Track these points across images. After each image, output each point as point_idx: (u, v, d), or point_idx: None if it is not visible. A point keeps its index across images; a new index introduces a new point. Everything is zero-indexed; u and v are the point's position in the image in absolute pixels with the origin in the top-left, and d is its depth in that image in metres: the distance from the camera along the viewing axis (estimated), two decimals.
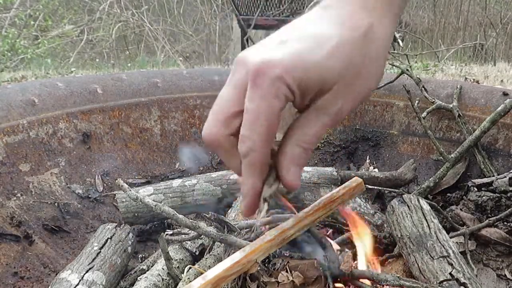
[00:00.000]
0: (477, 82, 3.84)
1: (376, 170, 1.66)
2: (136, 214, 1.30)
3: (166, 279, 1.01)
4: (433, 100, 1.62)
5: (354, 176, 1.26)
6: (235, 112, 0.44)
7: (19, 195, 1.32)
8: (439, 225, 1.11)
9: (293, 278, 0.86)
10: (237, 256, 0.86)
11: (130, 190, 1.02)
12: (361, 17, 0.43)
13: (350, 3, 0.43)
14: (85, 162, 1.54)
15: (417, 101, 1.65)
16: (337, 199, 1.03)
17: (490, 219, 1.21)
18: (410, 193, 1.36)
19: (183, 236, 1.13)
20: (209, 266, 1.01)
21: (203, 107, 1.84)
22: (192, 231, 1.07)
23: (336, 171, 1.44)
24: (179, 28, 7.79)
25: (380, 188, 1.47)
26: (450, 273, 0.93)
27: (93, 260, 1.01)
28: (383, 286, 0.89)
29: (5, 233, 1.19)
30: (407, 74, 1.71)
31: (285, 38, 0.43)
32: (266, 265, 0.91)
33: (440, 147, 1.53)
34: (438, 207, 1.27)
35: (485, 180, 1.33)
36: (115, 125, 1.66)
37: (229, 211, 1.31)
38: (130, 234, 1.17)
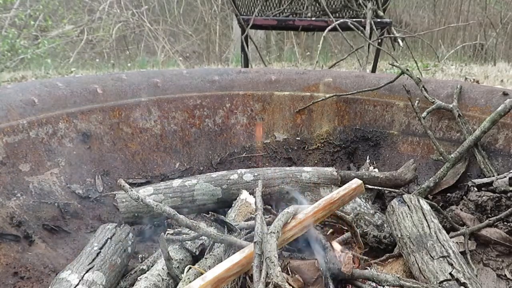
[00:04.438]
0: (477, 82, 3.84)
1: (376, 170, 1.66)
2: (136, 214, 1.30)
3: (166, 279, 1.01)
4: (433, 100, 1.62)
5: (354, 176, 1.26)
6: None
7: (19, 195, 1.32)
8: (439, 225, 1.11)
9: (291, 282, 0.86)
10: (237, 257, 0.86)
11: (132, 190, 1.02)
12: None
13: None
14: (85, 162, 1.54)
15: (417, 101, 1.65)
16: (337, 200, 1.04)
17: (490, 219, 1.21)
18: (410, 193, 1.36)
19: (183, 236, 1.13)
20: (209, 266, 1.01)
21: (203, 107, 1.84)
22: (192, 231, 1.07)
23: (336, 171, 1.44)
24: (179, 28, 7.79)
25: (380, 188, 1.47)
26: (450, 273, 0.93)
27: (93, 260, 1.01)
28: (383, 286, 0.89)
29: (5, 233, 1.19)
30: (407, 74, 1.71)
31: None
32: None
33: (440, 147, 1.53)
34: (438, 207, 1.27)
35: (485, 180, 1.33)
36: (115, 125, 1.66)
37: (229, 211, 1.31)
38: (130, 234, 1.17)
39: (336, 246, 0.97)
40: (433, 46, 6.04)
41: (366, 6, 2.75)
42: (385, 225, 1.26)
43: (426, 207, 1.16)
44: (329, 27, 2.56)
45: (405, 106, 1.73)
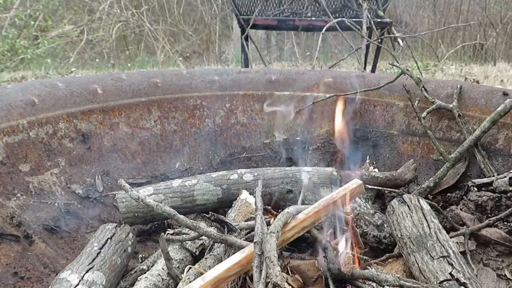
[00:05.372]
0: (477, 82, 3.84)
1: (376, 170, 1.66)
2: (136, 214, 1.30)
3: (166, 279, 1.01)
4: (433, 100, 1.62)
5: (354, 177, 1.26)
6: None
7: (19, 195, 1.32)
8: (439, 225, 1.11)
9: (291, 282, 0.86)
10: (237, 257, 0.86)
11: (132, 190, 1.02)
12: None
13: None
14: (85, 162, 1.54)
15: (417, 101, 1.65)
16: (337, 200, 1.04)
17: (490, 219, 1.21)
18: (410, 193, 1.36)
19: (183, 236, 1.13)
20: (209, 266, 1.01)
21: (203, 107, 1.84)
22: (192, 231, 1.07)
23: (336, 171, 1.44)
24: (179, 28, 7.79)
25: (380, 188, 1.47)
26: (450, 273, 0.93)
27: (93, 260, 1.01)
28: (383, 286, 0.89)
29: (5, 233, 1.19)
30: (407, 74, 1.71)
31: None
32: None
33: (440, 147, 1.53)
34: (438, 207, 1.27)
35: (485, 180, 1.33)
36: (115, 125, 1.66)
37: (229, 211, 1.31)
38: (130, 234, 1.17)
39: (342, 244, 0.97)
40: (433, 46, 6.04)
41: (363, 6, 2.75)
42: (385, 225, 1.27)
43: (426, 207, 1.16)
44: (327, 26, 2.57)
45: (405, 106, 1.73)
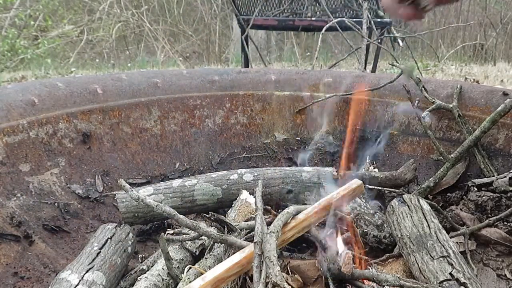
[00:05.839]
0: (477, 82, 3.84)
1: (376, 170, 1.66)
2: (136, 214, 1.30)
3: (166, 279, 1.01)
4: (433, 100, 1.62)
5: (354, 177, 1.26)
6: None
7: (19, 195, 1.32)
8: (439, 225, 1.11)
9: (291, 282, 0.86)
10: (237, 257, 0.86)
11: (132, 190, 1.02)
12: None
13: None
14: (85, 162, 1.54)
15: (417, 101, 1.65)
16: (337, 200, 1.04)
17: (490, 219, 1.21)
18: (410, 193, 1.36)
19: (183, 236, 1.13)
20: (209, 266, 1.01)
21: (203, 107, 1.84)
22: (192, 231, 1.07)
23: (336, 171, 1.44)
24: (179, 28, 7.79)
25: (380, 188, 1.47)
26: (450, 273, 0.93)
27: (93, 260, 1.01)
28: (383, 286, 0.89)
29: (5, 233, 1.19)
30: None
31: None
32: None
33: (440, 147, 1.53)
34: (438, 207, 1.27)
35: (485, 180, 1.33)
36: (115, 125, 1.66)
37: (229, 211, 1.31)
38: (130, 234, 1.17)
39: (341, 245, 0.97)
40: (433, 46, 6.04)
41: (363, 6, 2.75)
42: (385, 225, 1.26)
43: (426, 207, 1.16)
44: (327, 26, 2.57)
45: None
